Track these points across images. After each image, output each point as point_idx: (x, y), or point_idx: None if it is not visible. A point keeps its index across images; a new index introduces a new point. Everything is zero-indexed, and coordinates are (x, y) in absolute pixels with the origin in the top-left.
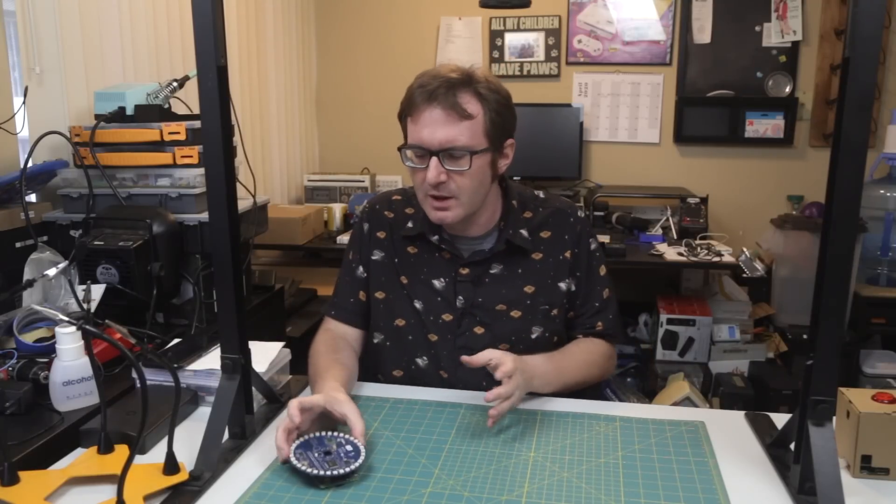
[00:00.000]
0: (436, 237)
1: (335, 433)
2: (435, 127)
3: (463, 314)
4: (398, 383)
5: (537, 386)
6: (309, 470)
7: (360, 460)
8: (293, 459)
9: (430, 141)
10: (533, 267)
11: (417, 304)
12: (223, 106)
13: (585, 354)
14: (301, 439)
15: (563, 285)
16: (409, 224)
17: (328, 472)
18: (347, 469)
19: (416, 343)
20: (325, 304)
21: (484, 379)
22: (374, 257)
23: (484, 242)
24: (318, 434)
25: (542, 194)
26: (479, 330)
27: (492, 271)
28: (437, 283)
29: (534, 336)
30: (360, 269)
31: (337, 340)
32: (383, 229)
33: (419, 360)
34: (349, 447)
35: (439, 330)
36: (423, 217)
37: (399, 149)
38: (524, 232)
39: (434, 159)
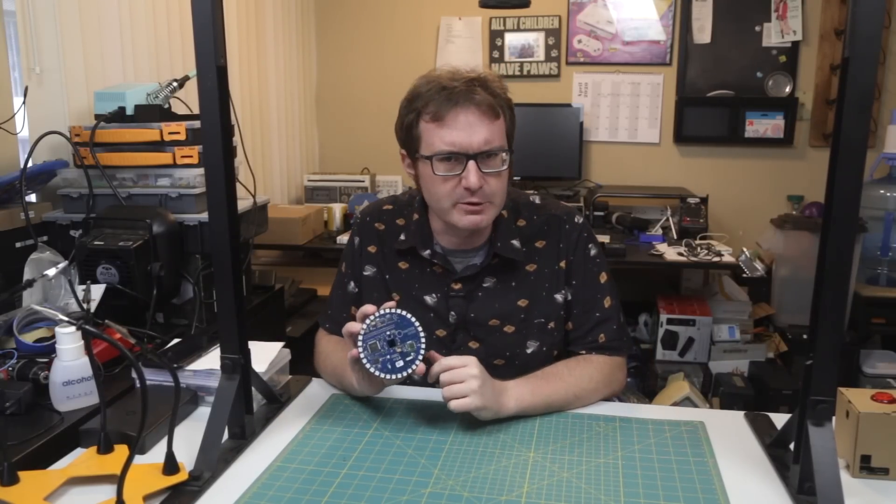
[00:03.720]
0: (427, 252)
1: (408, 317)
2: (472, 128)
3: (456, 329)
4: None
5: (508, 401)
6: (371, 368)
7: (413, 366)
8: (360, 350)
9: (468, 143)
10: (527, 279)
11: None
12: (223, 106)
13: (577, 376)
14: (374, 319)
15: (559, 297)
16: (402, 237)
17: (385, 376)
18: (398, 375)
19: None
20: (323, 306)
21: None
22: (365, 273)
23: (476, 256)
24: (391, 312)
25: (538, 200)
26: (473, 345)
27: (484, 285)
28: (429, 299)
29: (529, 350)
30: (352, 284)
31: (341, 340)
32: (374, 243)
33: (413, 376)
34: (410, 348)
35: (433, 346)
36: (414, 230)
37: (426, 158)
38: (516, 242)
39: (472, 163)
